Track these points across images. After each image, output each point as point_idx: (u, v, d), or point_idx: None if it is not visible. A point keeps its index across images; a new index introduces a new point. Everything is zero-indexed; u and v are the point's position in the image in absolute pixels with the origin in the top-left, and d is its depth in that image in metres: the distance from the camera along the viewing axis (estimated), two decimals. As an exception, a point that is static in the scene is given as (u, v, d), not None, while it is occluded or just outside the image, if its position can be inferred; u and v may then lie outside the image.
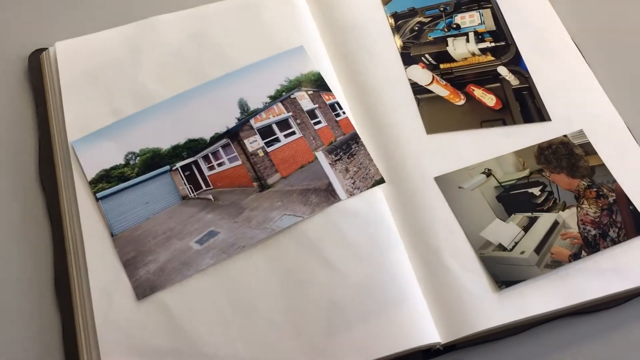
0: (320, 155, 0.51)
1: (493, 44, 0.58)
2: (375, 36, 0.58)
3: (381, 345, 0.44)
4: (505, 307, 0.45)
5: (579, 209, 0.50)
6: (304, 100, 0.54)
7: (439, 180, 0.50)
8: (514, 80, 0.56)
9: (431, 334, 0.44)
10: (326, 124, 0.53)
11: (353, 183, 0.50)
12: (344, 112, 0.53)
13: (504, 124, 0.54)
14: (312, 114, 0.54)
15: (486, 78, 0.57)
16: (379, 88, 0.55)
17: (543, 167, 0.52)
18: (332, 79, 0.55)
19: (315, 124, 0.53)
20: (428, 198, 0.50)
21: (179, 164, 0.51)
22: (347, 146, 0.52)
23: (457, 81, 0.56)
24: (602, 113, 0.55)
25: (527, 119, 0.54)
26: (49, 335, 0.46)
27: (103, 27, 0.58)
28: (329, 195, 0.49)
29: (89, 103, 0.54)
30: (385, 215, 0.49)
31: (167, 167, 0.51)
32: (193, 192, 0.50)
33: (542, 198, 0.50)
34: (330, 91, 0.54)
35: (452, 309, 0.45)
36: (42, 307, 0.47)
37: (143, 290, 0.46)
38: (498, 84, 0.56)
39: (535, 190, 0.51)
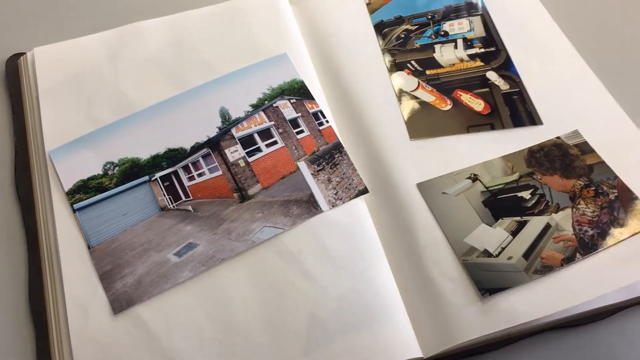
0: (303, 166, 0.51)
1: (482, 50, 0.58)
2: (360, 43, 0.57)
3: (361, 360, 0.43)
4: (488, 317, 0.44)
5: (574, 209, 0.48)
6: (287, 109, 0.53)
7: (421, 186, 0.49)
8: (503, 85, 0.55)
9: (412, 349, 0.44)
10: (309, 133, 0.52)
11: (335, 194, 0.49)
12: (327, 121, 0.53)
13: (492, 128, 0.53)
14: (294, 123, 0.53)
15: (474, 83, 0.56)
16: (363, 96, 0.54)
17: (534, 170, 0.51)
18: (315, 87, 0.54)
19: (298, 133, 0.52)
20: (409, 206, 0.49)
21: (158, 174, 0.50)
22: (330, 156, 0.51)
23: (444, 87, 0.56)
24: (602, 108, 0.54)
25: (517, 123, 0.53)
26: (22, 350, 0.45)
27: (83, 32, 0.57)
28: (310, 206, 0.48)
29: (67, 111, 0.53)
30: (368, 226, 0.48)
31: (146, 178, 0.50)
32: (172, 203, 0.49)
33: (533, 201, 0.49)
34: (314, 99, 0.54)
35: (433, 321, 0.44)
36: (15, 320, 0.46)
37: (120, 304, 0.45)
38: (487, 89, 0.55)
39: (525, 194, 0.49)
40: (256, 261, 0.47)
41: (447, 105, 0.54)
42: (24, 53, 0.57)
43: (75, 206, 0.48)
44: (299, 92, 0.54)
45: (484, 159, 0.51)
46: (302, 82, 0.54)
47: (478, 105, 0.54)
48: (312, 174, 0.50)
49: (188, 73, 0.54)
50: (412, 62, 0.57)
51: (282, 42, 0.56)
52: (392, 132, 0.52)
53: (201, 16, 0.57)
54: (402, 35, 0.59)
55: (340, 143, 0.52)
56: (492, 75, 0.56)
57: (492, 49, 0.58)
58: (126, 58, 0.55)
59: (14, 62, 0.56)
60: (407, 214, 0.48)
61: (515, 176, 0.50)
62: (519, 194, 0.49)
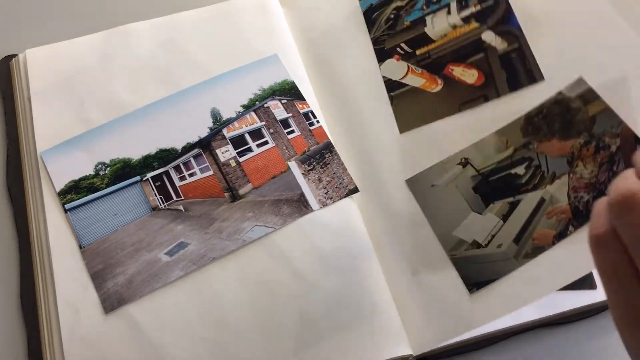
0: (293, 165, 0.51)
1: (478, 7, 0.51)
2: (350, 41, 0.57)
3: (351, 358, 0.43)
4: (475, 312, 0.43)
5: (571, 175, 0.44)
6: (278, 109, 0.54)
7: (411, 182, 0.48)
8: (501, 44, 0.49)
9: (402, 346, 0.44)
10: (300, 133, 0.53)
11: (326, 193, 0.49)
12: (317, 121, 0.53)
13: (486, 100, 0.48)
14: (285, 123, 0.53)
15: (468, 51, 0.50)
16: (353, 94, 0.54)
17: (530, 138, 0.46)
18: (306, 87, 0.55)
19: (289, 133, 0.53)
20: (399, 203, 0.48)
21: (149, 175, 0.50)
22: (320, 155, 0.52)
23: (435, 64, 0.51)
24: (612, 37, 0.46)
25: (515, 86, 0.47)
26: (13, 349, 0.45)
27: (74, 34, 0.57)
28: (301, 205, 0.49)
29: (59, 112, 0.53)
30: (358, 225, 0.49)
31: (138, 178, 0.50)
32: (163, 203, 0.50)
33: (528, 176, 0.45)
34: (305, 100, 0.54)
35: (423, 319, 0.45)
36: (7, 321, 0.46)
37: (111, 303, 0.45)
38: (481, 55, 0.50)
39: (520, 169, 0.45)
40: (247, 260, 0.47)
41: (437, 86, 0.50)
42: (16, 55, 0.57)
43: (67, 206, 0.49)
44: (289, 92, 0.54)
45: (477, 138, 0.47)
46: (293, 82, 0.54)
47: (471, 76, 0.49)
48: (302, 173, 0.51)
49: (179, 74, 0.54)
50: (402, 44, 0.53)
51: (273, 43, 0.56)
52: (382, 128, 0.51)
53: (192, 18, 0.57)
54: (392, 16, 0.55)
55: (331, 143, 0.52)
56: (488, 36, 0.50)
57: (489, 3, 0.51)
58: (118, 59, 0.55)
59: (6, 64, 0.57)
60: (397, 212, 0.48)
61: (509, 151, 0.46)
62: (513, 171, 0.45)
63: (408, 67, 0.52)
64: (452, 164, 0.48)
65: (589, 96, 0.45)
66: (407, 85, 0.52)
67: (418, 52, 0.53)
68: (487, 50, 0.50)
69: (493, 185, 0.46)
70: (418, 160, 0.49)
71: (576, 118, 0.45)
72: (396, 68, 0.53)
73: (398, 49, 0.53)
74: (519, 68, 0.48)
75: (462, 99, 0.49)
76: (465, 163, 0.47)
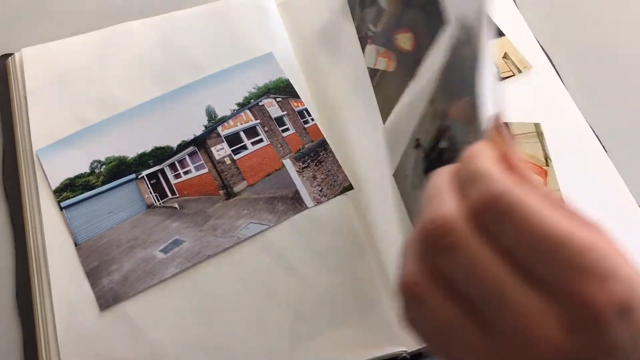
0: (288, 163, 0.51)
1: None
2: (343, 37, 0.57)
3: (346, 354, 0.44)
4: None
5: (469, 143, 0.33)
6: (272, 107, 0.54)
7: (395, 176, 0.48)
8: None
9: (397, 343, 0.44)
10: (294, 131, 0.53)
11: (320, 190, 0.50)
12: (312, 119, 0.53)
13: (418, 64, 0.39)
14: (280, 121, 0.53)
15: (406, 13, 0.43)
16: (346, 90, 0.54)
17: (445, 103, 0.35)
18: (301, 85, 0.55)
19: (283, 131, 0.53)
20: (390, 199, 0.48)
21: (145, 172, 0.51)
22: (315, 153, 0.52)
23: (389, 37, 0.45)
24: None
25: (432, 36, 0.36)
26: (9, 347, 0.45)
27: (70, 33, 0.57)
28: (295, 203, 0.49)
29: (54, 110, 0.53)
30: (352, 222, 0.49)
31: (133, 176, 0.50)
32: (159, 201, 0.50)
33: (451, 149, 0.35)
34: (299, 98, 0.54)
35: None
36: (2, 318, 0.46)
37: (106, 300, 0.45)
38: (414, 11, 0.41)
39: (444, 142, 0.36)
40: (241, 257, 0.47)
41: (393, 63, 0.45)
42: (12, 54, 0.57)
43: (63, 204, 0.49)
44: (284, 90, 0.54)
45: (420, 113, 0.40)
46: (288, 80, 0.55)
47: (408, 41, 0.42)
48: (297, 171, 0.51)
49: (175, 73, 0.55)
50: (369, 25, 0.49)
51: (268, 42, 0.57)
52: (371, 122, 0.50)
53: (188, 16, 0.57)
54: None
55: (325, 141, 0.52)
56: None
57: None
58: (113, 58, 0.55)
59: (2, 63, 0.57)
60: (386, 209, 0.48)
61: (436, 122, 0.37)
62: (440, 145, 0.37)
63: (376, 50, 0.48)
64: (411, 148, 0.42)
65: (470, 33, 0.31)
66: (379, 70, 0.48)
67: (379, 28, 0.47)
68: (417, 5, 0.41)
69: (433, 164, 0.38)
70: (397, 150, 0.46)
71: (463, 67, 0.32)
72: (370, 54, 0.50)
73: (368, 32, 0.50)
74: (436, 13, 0.36)
75: (408, 71, 0.41)
76: (416, 144, 0.40)
